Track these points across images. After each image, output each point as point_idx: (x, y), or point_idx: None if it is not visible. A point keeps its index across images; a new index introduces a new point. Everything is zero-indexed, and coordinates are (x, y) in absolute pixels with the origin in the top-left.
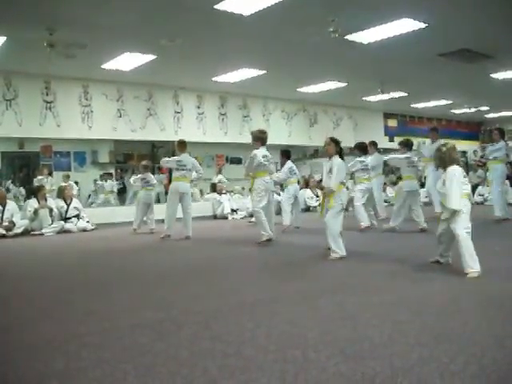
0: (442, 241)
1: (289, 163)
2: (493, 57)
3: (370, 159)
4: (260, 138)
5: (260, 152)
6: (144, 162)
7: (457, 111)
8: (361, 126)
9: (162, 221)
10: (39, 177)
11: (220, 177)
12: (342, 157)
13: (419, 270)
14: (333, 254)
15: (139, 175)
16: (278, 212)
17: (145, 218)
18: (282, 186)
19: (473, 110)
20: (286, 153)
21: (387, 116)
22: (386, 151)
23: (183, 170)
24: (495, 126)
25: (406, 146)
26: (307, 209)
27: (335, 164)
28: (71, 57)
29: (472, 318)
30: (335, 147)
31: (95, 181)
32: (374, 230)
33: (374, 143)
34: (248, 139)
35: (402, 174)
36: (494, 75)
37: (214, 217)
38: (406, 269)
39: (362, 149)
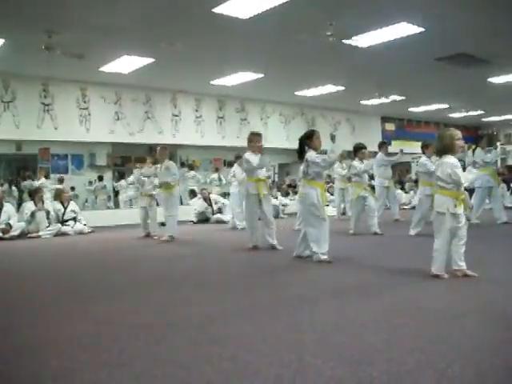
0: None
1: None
2: (490, 61)
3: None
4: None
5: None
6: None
7: (454, 115)
8: (358, 130)
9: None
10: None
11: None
12: None
13: (416, 275)
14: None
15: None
16: (276, 215)
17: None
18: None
19: (470, 113)
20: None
21: (385, 120)
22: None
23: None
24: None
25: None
26: None
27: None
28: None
29: (469, 323)
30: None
31: (90, 182)
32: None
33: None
34: (245, 142)
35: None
36: (491, 79)
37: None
38: (403, 273)
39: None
